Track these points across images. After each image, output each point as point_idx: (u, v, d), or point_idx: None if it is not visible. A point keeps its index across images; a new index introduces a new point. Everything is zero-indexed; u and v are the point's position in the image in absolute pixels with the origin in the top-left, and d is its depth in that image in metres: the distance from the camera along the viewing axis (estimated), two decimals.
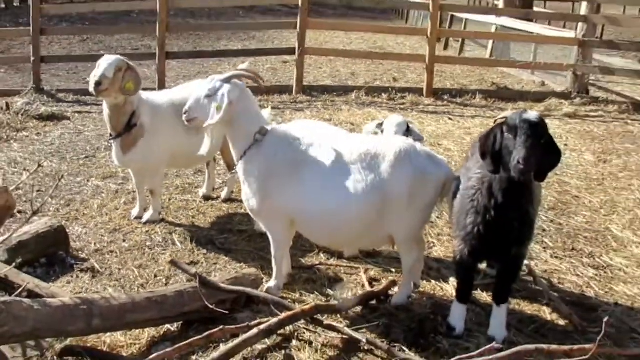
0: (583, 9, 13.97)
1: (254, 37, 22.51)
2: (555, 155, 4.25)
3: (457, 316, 4.77)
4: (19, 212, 6.60)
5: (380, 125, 5.91)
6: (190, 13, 25.21)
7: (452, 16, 21.61)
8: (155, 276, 5.60)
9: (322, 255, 6.04)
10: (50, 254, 5.76)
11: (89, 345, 4.38)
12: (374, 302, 5.15)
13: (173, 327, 4.73)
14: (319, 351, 4.49)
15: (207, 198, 7.41)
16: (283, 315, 4.48)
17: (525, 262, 5.43)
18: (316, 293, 5.33)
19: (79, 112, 11.40)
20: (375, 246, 5.75)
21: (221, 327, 4.28)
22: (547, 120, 4.36)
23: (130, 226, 6.61)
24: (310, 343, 4.57)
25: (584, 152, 9.81)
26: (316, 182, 4.84)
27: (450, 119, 11.76)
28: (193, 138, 6.40)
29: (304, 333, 4.70)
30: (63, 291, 5.00)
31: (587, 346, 4.11)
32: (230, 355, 4.13)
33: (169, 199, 7.36)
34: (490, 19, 17.75)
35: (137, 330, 4.59)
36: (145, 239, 6.34)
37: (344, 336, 4.55)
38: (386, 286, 5.26)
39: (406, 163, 4.71)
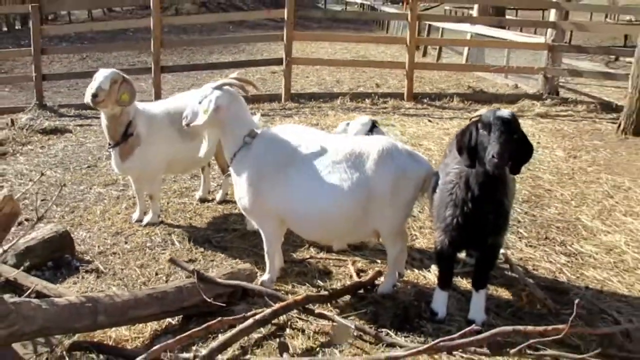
0: (552, 15, 14.06)
1: (243, 50, 22.51)
2: (527, 149, 4.27)
3: (439, 302, 4.80)
4: (26, 219, 6.60)
5: (348, 125, 5.96)
6: (183, 29, 25.20)
7: (430, 25, 21.68)
8: (156, 274, 5.61)
9: (312, 249, 6.07)
10: (57, 257, 5.76)
11: (95, 340, 4.39)
12: (361, 291, 5.18)
13: (174, 320, 4.75)
14: (311, 338, 4.52)
15: (203, 200, 7.43)
16: (277, 305, 4.50)
17: (502, 250, 5.46)
18: (307, 284, 5.36)
19: (81, 125, 11.39)
20: (362, 239, 5.78)
21: (219, 318, 4.30)
22: (521, 120, 4.40)
23: (131, 229, 6.61)
24: (303, 331, 4.60)
25: (555, 149, 9.86)
26: (304, 182, 4.85)
27: (429, 120, 11.80)
28: (188, 145, 6.44)
29: (297, 322, 4.72)
30: (70, 291, 5.00)
31: (560, 326, 4.14)
32: (228, 345, 4.16)
33: (167, 203, 7.37)
34: (465, 27, 17.83)
35: (140, 325, 4.61)
36: (146, 240, 6.35)
37: (334, 323, 4.59)
38: (372, 276, 5.29)
39: (389, 161, 4.74)
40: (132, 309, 4.37)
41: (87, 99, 5.98)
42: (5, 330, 3.70)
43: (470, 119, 4.38)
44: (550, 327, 4.18)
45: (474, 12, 19.90)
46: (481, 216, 4.39)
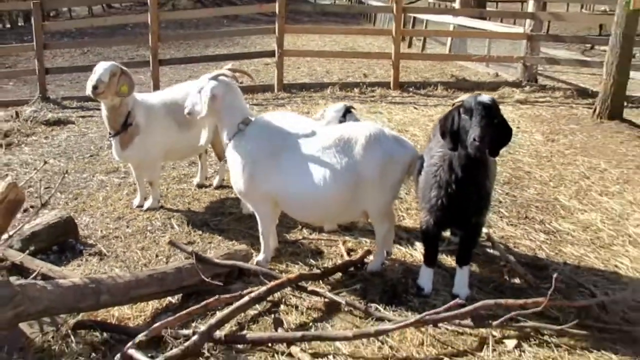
0: (530, 6, 14.01)
1: (238, 43, 22.40)
2: (506, 133, 4.28)
3: (425, 278, 4.83)
4: (31, 206, 6.57)
5: (325, 111, 5.95)
6: (179, 24, 25.00)
7: (414, 18, 21.63)
8: (157, 256, 5.60)
9: (304, 230, 6.07)
10: (61, 241, 5.76)
11: (99, 319, 4.39)
12: (352, 269, 5.20)
13: (174, 299, 4.75)
14: (304, 313, 4.54)
15: (200, 186, 7.41)
16: (271, 284, 4.51)
17: (484, 229, 5.50)
18: (300, 264, 5.37)
19: (83, 117, 11.33)
20: (351, 220, 5.78)
21: (217, 297, 4.30)
22: (501, 106, 4.40)
23: (132, 214, 6.60)
24: (297, 307, 4.62)
25: (534, 133, 9.87)
26: (295, 166, 4.85)
27: (415, 108, 11.79)
28: (184, 133, 6.45)
29: (291, 298, 4.75)
30: (74, 273, 5.01)
31: (539, 299, 4.18)
32: (225, 321, 4.17)
33: (167, 188, 7.35)
34: (448, 18, 17.78)
35: (142, 304, 4.61)
36: (147, 224, 6.34)
37: (326, 299, 4.61)
38: (362, 255, 5.30)
39: (376, 146, 4.73)
40: (134, 289, 4.37)
41: (88, 90, 5.96)
42: (12, 310, 3.70)
43: (453, 105, 4.39)
44: (530, 300, 4.24)
45: (456, 4, 19.83)
46: (464, 197, 4.40)
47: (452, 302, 4.14)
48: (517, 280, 5.06)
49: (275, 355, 4.01)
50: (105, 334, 4.22)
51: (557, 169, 8.06)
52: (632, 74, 10.93)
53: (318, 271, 5.06)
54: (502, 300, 4.29)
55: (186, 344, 3.87)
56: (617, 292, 4.87)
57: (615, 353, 4.06)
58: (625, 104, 10.93)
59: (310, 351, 4.02)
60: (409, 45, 21.82)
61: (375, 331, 4.05)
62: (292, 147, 4.92)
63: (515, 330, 4.27)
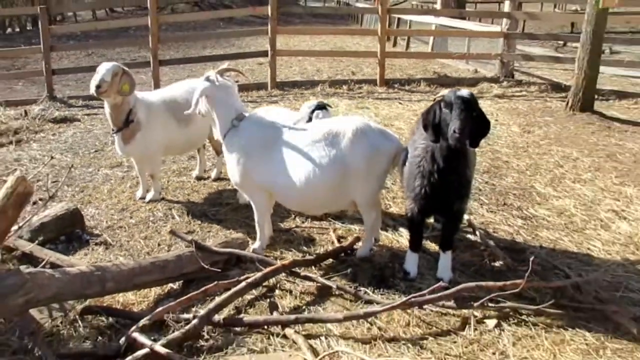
0: (506, 7, 13.98)
1: (233, 44, 22.28)
2: (485, 125, 4.29)
3: (411, 263, 4.82)
4: (40, 199, 6.52)
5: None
6: (178, 27, 24.86)
7: (399, 18, 21.57)
8: (159, 245, 5.58)
9: (297, 219, 6.04)
10: (69, 232, 5.73)
11: (105, 304, 4.38)
12: (342, 255, 5.19)
13: (175, 285, 4.73)
14: (297, 297, 4.53)
15: (199, 178, 7.37)
16: (267, 270, 4.51)
17: (465, 216, 5.50)
18: (294, 250, 5.36)
19: (88, 114, 11.26)
20: (340, 209, 5.76)
21: (215, 282, 4.28)
22: (480, 101, 4.40)
23: (135, 205, 6.56)
24: (291, 291, 4.61)
25: (511, 125, 9.85)
26: (286, 159, 4.84)
27: (400, 103, 11.75)
28: (183, 129, 6.45)
29: (285, 284, 4.74)
30: (80, 262, 4.99)
31: (517, 281, 4.18)
32: (223, 305, 4.17)
33: (168, 181, 7.31)
34: (430, 19, 17.69)
35: (145, 290, 4.59)
36: (149, 215, 6.30)
37: (318, 284, 4.61)
38: (351, 242, 5.29)
39: (363, 139, 4.71)
40: (137, 276, 4.37)
41: (92, 89, 5.93)
42: (22, 297, 3.69)
43: (434, 99, 4.37)
44: (509, 282, 4.24)
45: (438, 5, 19.80)
46: (446, 185, 4.39)
47: (436, 285, 4.15)
48: (496, 264, 5.06)
49: (271, 337, 4.00)
50: (110, 319, 4.21)
51: (533, 158, 8.06)
52: (601, 68, 10.95)
53: (310, 257, 5.05)
54: (483, 283, 4.30)
55: (187, 327, 3.88)
56: (589, 273, 4.88)
57: (589, 330, 4.07)
58: (595, 96, 10.93)
59: (303, 333, 4.01)
60: (394, 44, 21.77)
61: (365, 313, 4.05)
62: (284, 141, 4.90)
63: (495, 310, 4.27)
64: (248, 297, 4.51)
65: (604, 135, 9.21)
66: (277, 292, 4.63)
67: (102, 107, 6.79)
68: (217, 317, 4.07)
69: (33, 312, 4.10)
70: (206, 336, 3.97)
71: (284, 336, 3.99)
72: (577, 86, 10.66)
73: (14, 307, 3.70)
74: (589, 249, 5.40)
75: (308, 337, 3.97)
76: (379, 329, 4.10)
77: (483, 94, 12.48)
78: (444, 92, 4.28)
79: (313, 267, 4.95)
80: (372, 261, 5.08)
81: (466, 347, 3.90)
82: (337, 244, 5.36)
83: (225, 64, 5.50)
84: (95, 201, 6.72)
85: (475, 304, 4.23)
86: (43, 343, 3.68)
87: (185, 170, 7.76)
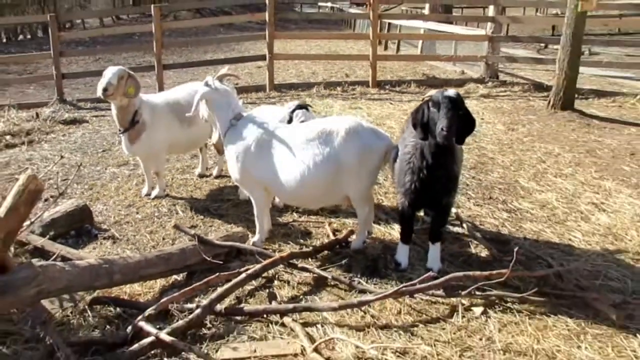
0: (491, 11, 13.99)
1: (233, 49, 22.28)
2: (471, 123, 4.27)
3: (402, 254, 4.81)
4: (51, 196, 6.51)
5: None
6: (181, 33, 24.82)
7: (389, 23, 21.55)
8: (163, 239, 5.56)
9: (294, 214, 6.03)
10: (78, 227, 5.71)
11: (112, 295, 4.37)
12: (337, 247, 5.18)
13: (179, 277, 4.71)
14: (295, 288, 4.52)
15: (202, 176, 7.35)
16: (266, 262, 4.51)
17: (453, 209, 5.50)
18: (291, 243, 5.34)
19: (96, 116, 11.24)
20: (335, 204, 5.75)
21: (217, 274, 4.29)
22: (467, 100, 4.40)
23: (141, 202, 6.54)
24: (288, 282, 4.61)
25: (497, 123, 9.85)
26: (283, 156, 4.82)
27: (391, 103, 11.74)
28: (185, 130, 6.44)
29: (283, 275, 4.73)
30: (89, 255, 4.97)
31: (503, 271, 4.19)
32: (225, 296, 4.15)
33: (172, 178, 7.29)
34: (419, 23, 17.69)
35: (151, 281, 4.58)
36: (154, 210, 6.28)
37: (315, 275, 4.60)
38: (346, 235, 5.28)
39: (355, 138, 4.69)
40: (143, 268, 4.36)
41: (99, 92, 5.92)
42: (34, 289, 3.68)
43: (423, 99, 4.36)
44: (494, 272, 4.25)
45: (426, 11, 19.77)
46: (435, 180, 4.38)
47: (426, 275, 4.15)
48: (483, 254, 5.06)
49: (270, 325, 3.99)
50: (118, 309, 4.20)
51: (517, 154, 8.05)
52: (581, 69, 10.92)
53: (307, 250, 5.04)
54: (470, 273, 4.29)
55: (190, 316, 3.88)
56: (571, 263, 4.88)
57: (570, 316, 4.07)
58: (575, 95, 10.92)
59: (300, 321, 4.01)
60: (385, 48, 21.79)
61: (359, 302, 4.05)
62: (280, 139, 4.89)
63: (481, 298, 4.27)
64: (248, 287, 4.49)
65: (583, 132, 9.21)
66: (275, 282, 4.62)
67: (109, 109, 6.79)
68: (219, 307, 4.06)
69: (45, 302, 4.09)
70: (209, 325, 3.96)
71: (283, 324, 3.99)
72: (558, 86, 10.66)
73: (27, 298, 3.69)
74: (570, 239, 5.39)
75: (305, 325, 3.97)
76: (372, 317, 4.09)
77: (469, 94, 12.48)
78: (432, 92, 4.26)
79: (310, 259, 4.93)
80: (365, 253, 5.07)
81: (454, 334, 3.90)
82: (332, 237, 5.34)
83: (225, 68, 5.50)
84: (103, 198, 6.69)
85: (463, 293, 4.23)
86: (54, 332, 3.67)
87: (188, 168, 7.74)
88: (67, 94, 13.10)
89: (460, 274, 4.25)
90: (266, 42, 13.15)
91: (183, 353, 3.59)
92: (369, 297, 4.09)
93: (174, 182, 7.20)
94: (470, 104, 10.03)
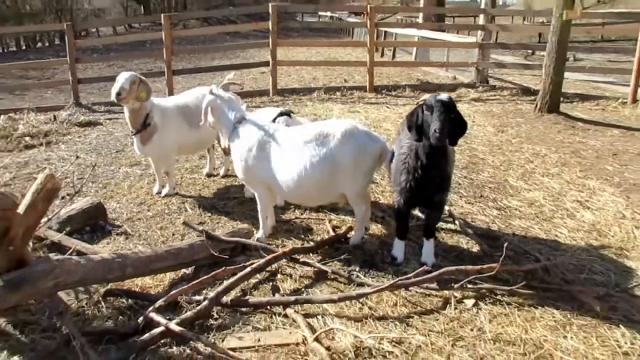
0: (481, 20, 13.98)
1: (238, 56, 22.25)
2: (462, 125, 4.26)
3: (398, 249, 4.80)
4: (67, 194, 6.49)
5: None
6: (189, 40, 24.80)
7: (385, 31, 21.57)
8: (173, 235, 5.54)
9: (296, 211, 6.01)
10: (93, 223, 5.69)
11: (125, 287, 4.35)
12: (337, 243, 5.15)
13: (188, 271, 4.69)
14: (297, 281, 4.51)
15: (209, 175, 7.34)
16: (269, 256, 4.48)
17: (446, 207, 5.48)
18: (293, 239, 5.33)
19: (110, 119, 11.22)
20: (332, 202, 5.72)
21: (223, 268, 4.28)
22: (458, 104, 4.37)
23: (152, 199, 6.52)
24: (291, 275, 4.59)
25: (487, 126, 9.84)
26: (282, 157, 4.81)
27: (387, 107, 11.71)
28: (194, 132, 6.41)
29: (286, 269, 4.71)
30: (103, 250, 4.95)
31: (493, 265, 4.17)
32: (231, 288, 4.14)
33: (181, 178, 7.27)
34: (413, 31, 17.67)
35: (161, 275, 4.56)
36: (164, 208, 6.26)
37: (315, 269, 4.59)
38: (345, 231, 5.27)
39: (351, 140, 4.68)
40: (154, 262, 4.34)
41: (113, 96, 5.91)
42: (52, 281, 3.67)
43: (417, 103, 4.35)
44: (485, 266, 4.23)
45: (420, 19, 19.77)
46: (429, 180, 4.37)
47: (420, 269, 4.14)
48: (474, 250, 5.04)
49: (273, 316, 3.98)
50: (130, 301, 4.19)
51: (506, 155, 8.03)
52: (566, 74, 10.89)
53: (309, 245, 5.04)
54: (462, 267, 4.27)
55: (198, 307, 3.87)
56: (557, 257, 4.86)
57: (557, 308, 4.05)
58: (561, 99, 10.90)
59: (302, 312, 4.00)
60: (382, 55, 21.77)
61: (357, 294, 4.03)
62: (280, 141, 4.88)
63: (473, 291, 4.25)
64: (253, 280, 4.48)
65: (569, 134, 9.19)
66: (278, 276, 4.60)
67: (122, 112, 6.78)
68: (225, 299, 4.05)
69: (61, 294, 4.09)
70: (215, 316, 3.95)
71: (285, 315, 3.97)
72: (544, 90, 10.65)
73: (44, 290, 3.68)
74: (556, 235, 5.38)
75: (306, 316, 3.96)
76: (370, 308, 4.08)
77: (461, 98, 12.46)
78: (426, 96, 4.25)
79: (311, 254, 4.92)
80: (363, 248, 5.06)
81: (447, 324, 3.89)
82: (332, 233, 5.33)
83: (231, 73, 5.50)
84: (116, 196, 6.68)
85: (456, 286, 4.22)
86: (70, 322, 3.66)
87: (196, 168, 7.72)
88: (83, 98, 13.07)
89: (453, 268, 4.23)
90: (269, 50, 13.14)
91: (191, 342, 3.58)
92: (366, 289, 4.07)
93: (183, 181, 7.18)
94: (462, 108, 10.01)
